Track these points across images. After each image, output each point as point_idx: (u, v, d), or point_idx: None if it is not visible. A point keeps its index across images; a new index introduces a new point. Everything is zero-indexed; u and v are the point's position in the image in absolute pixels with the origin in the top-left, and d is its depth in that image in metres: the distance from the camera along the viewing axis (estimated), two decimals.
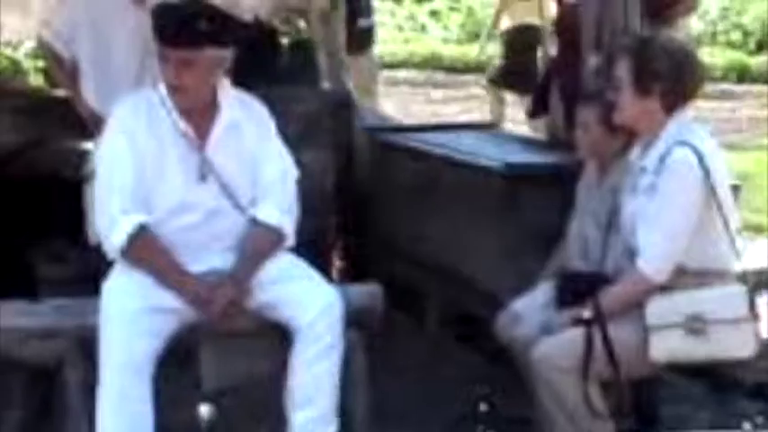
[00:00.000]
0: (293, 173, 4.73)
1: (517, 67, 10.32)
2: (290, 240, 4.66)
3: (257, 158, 4.63)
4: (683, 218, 4.30)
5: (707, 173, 4.29)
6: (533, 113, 6.74)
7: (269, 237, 4.60)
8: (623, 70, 4.43)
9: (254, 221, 4.60)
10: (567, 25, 6.03)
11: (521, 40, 10.43)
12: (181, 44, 4.45)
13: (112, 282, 4.53)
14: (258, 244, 4.58)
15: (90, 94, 5.84)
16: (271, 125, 4.75)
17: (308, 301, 4.49)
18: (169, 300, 4.44)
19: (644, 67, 4.39)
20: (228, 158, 4.61)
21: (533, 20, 10.30)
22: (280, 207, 4.62)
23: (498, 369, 5.33)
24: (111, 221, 4.51)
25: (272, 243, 4.60)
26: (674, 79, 4.40)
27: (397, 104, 13.45)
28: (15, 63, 8.85)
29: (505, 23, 10.81)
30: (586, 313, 4.36)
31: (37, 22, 6.39)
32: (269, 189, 4.63)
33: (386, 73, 15.93)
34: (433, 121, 11.78)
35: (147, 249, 4.50)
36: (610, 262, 4.60)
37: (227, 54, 4.57)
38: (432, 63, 16.68)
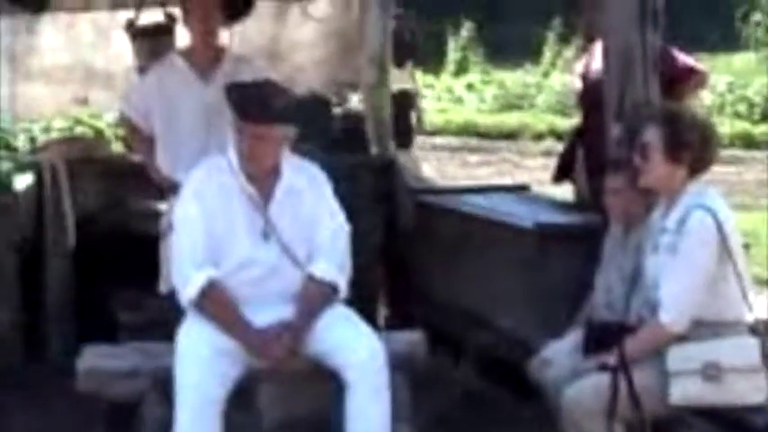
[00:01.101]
0: (345, 231, 4.73)
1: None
2: (343, 294, 4.65)
3: (314, 219, 4.64)
4: (701, 274, 4.29)
5: (722, 234, 4.29)
6: (557, 178, 6.70)
7: (324, 291, 4.60)
8: (653, 138, 4.43)
9: (310, 278, 4.59)
10: (590, 98, 6.01)
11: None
12: (257, 120, 4.48)
13: (186, 328, 4.55)
14: (314, 298, 4.57)
15: (162, 161, 5.86)
16: (326, 188, 4.75)
17: (355, 350, 4.48)
18: (235, 346, 4.44)
19: (676, 137, 4.40)
20: (288, 219, 4.62)
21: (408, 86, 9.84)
22: (334, 263, 4.62)
23: (529, 410, 5.27)
24: (184, 277, 4.54)
25: (327, 297, 4.60)
26: (702, 149, 4.43)
27: (436, 167, 13.44)
28: (99, 132, 8.92)
29: None
30: (612, 360, 4.34)
31: (119, 96, 6.41)
32: (324, 247, 4.63)
33: (425, 139, 15.98)
34: (469, 182, 11.75)
35: (215, 302, 4.52)
36: (633, 313, 4.56)
37: (293, 130, 4.60)
38: (467, 130, 16.69)
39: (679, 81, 6.06)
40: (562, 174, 6.60)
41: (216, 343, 4.43)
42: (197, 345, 4.44)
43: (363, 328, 4.58)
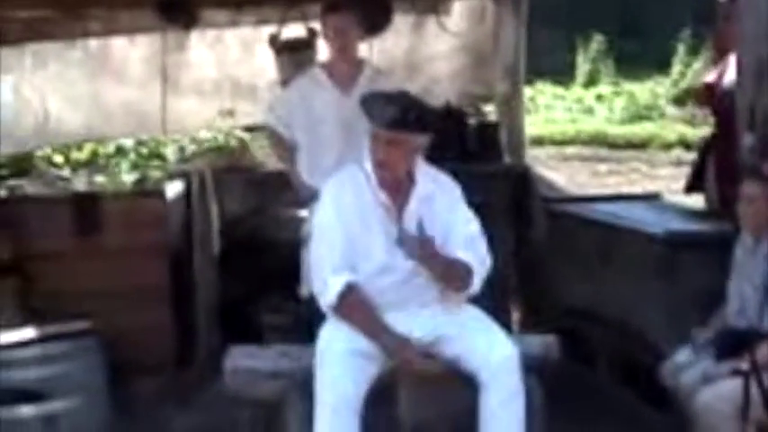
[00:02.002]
0: (480, 235, 4.70)
1: None
2: (474, 287, 4.60)
3: (447, 226, 4.62)
4: None
5: None
6: (690, 189, 6.58)
7: (463, 266, 4.56)
8: None
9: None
10: (723, 108, 5.89)
11: None
12: (394, 128, 4.49)
13: (326, 331, 4.58)
14: (457, 263, 4.55)
15: (303, 169, 5.91)
16: (458, 195, 4.74)
17: (489, 353, 4.45)
18: (374, 347, 4.46)
19: None
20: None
21: None
22: (476, 258, 4.59)
23: (662, 415, 5.19)
24: (323, 282, 4.57)
25: (464, 272, 4.55)
26: None
27: (567, 177, 13.32)
28: (243, 142, 9.04)
29: None
30: (744, 365, 4.25)
31: (263, 108, 6.49)
32: (463, 248, 4.60)
33: (556, 149, 15.87)
34: (599, 191, 11.62)
35: (353, 306, 4.53)
36: (765, 320, 4.46)
37: (427, 139, 4.60)
38: (597, 140, 16.51)
39: None
40: (694, 183, 6.49)
41: (355, 344, 4.45)
42: (337, 346, 4.46)
43: (498, 332, 4.55)
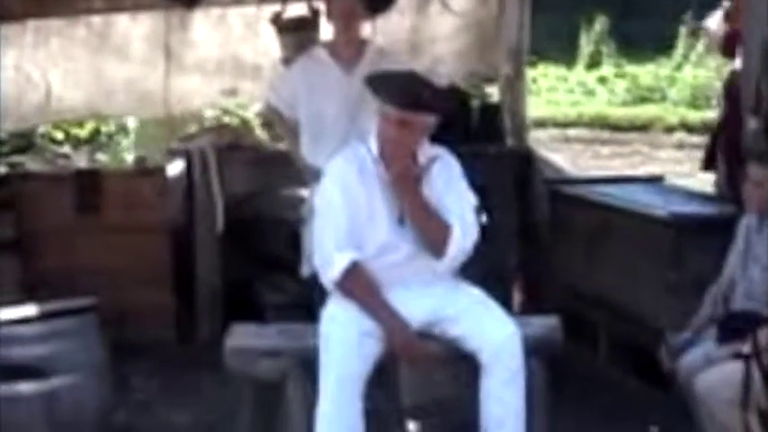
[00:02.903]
0: (471, 204, 4.67)
1: None
2: (455, 257, 4.56)
3: (443, 198, 4.61)
4: None
5: None
6: (705, 167, 6.61)
7: (445, 226, 4.53)
8: None
9: None
10: (735, 91, 5.87)
11: None
12: (405, 107, 4.48)
13: (330, 309, 4.57)
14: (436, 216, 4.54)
15: (306, 149, 5.90)
16: (458, 173, 4.72)
17: (491, 334, 4.44)
18: (376, 326, 4.45)
19: None
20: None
21: None
22: (461, 228, 4.57)
23: (662, 396, 5.19)
24: (327, 258, 4.56)
25: (443, 232, 4.52)
26: None
27: (569, 159, 13.30)
28: (245, 121, 9.03)
29: None
30: (745, 348, 4.24)
31: (266, 87, 6.47)
32: (453, 218, 4.58)
33: (558, 131, 15.85)
34: (602, 173, 11.60)
35: (357, 283, 4.53)
36: None
37: (435, 120, 4.59)
38: (599, 122, 16.49)
39: None
40: (708, 163, 6.50)
41: (358, 323, 4.44)
42: (340, 325, 4.45)
43: (499, 313, 4.55)
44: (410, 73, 4.70)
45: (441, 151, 4.73)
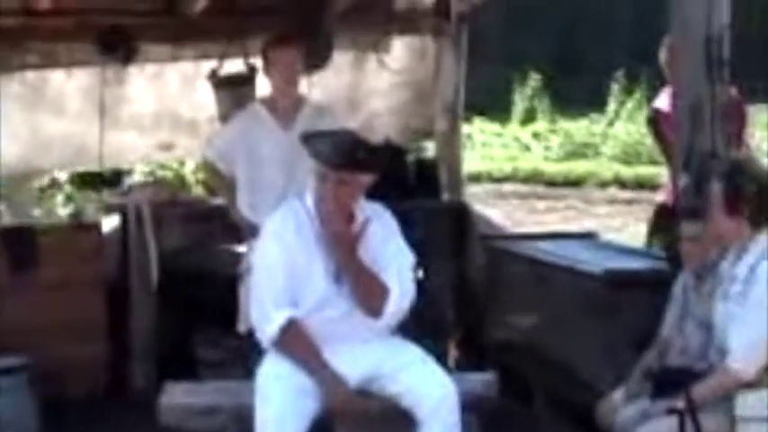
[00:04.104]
0: (410, 262, 4.69)
1: None
2: (392, 317, 4.57)
3: (380, 255, 4.62)
4: None
5: None
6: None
7: (382, 287, 4.54)
8: (715, 190, 4.38)
9: None
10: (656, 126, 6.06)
11: None
12: (341, 167, 4.50)
13: (267, 367, 4.55)
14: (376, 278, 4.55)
15: (244, 205, 5.90)
16: (394, 226, 4.74)
17: (428, 388, 4.45)
18: (313, 384, 4.43)
19: (734, 191, 4.34)
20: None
21: None
22: (399, 287, 4.58)
23: None
24: (264, 315, 4.55)
25: (380, 293, 4.53)
26: (761, 202, 4.35)
27: (505, 214, 13.40)
28: (181, 177, 9.01)
29: None
30: (680, 403, 4.26)
31: (203, 142, 6.47)
32: (390, 276, 4.59)
33: (493, 186, 15.96)
34: (537, 229, 11.70)
35: (294, 340, 4.52)
36: (706, 359, 4.49)
37: (373, 178, 4.62)
38: (534, 177, 16.64)
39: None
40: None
41: (294, 381, 4.42)
42: (276, 382, 4.43)
43: (436, 370, 4.55)
44: (345, 132, 4.73)
45: (377, 207, 4.74)
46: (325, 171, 4.54)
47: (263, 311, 4.56)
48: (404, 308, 4.59)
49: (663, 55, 6.44)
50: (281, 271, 4.55)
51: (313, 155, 4.58)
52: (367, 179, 4.59)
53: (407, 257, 4.69)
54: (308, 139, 4.65)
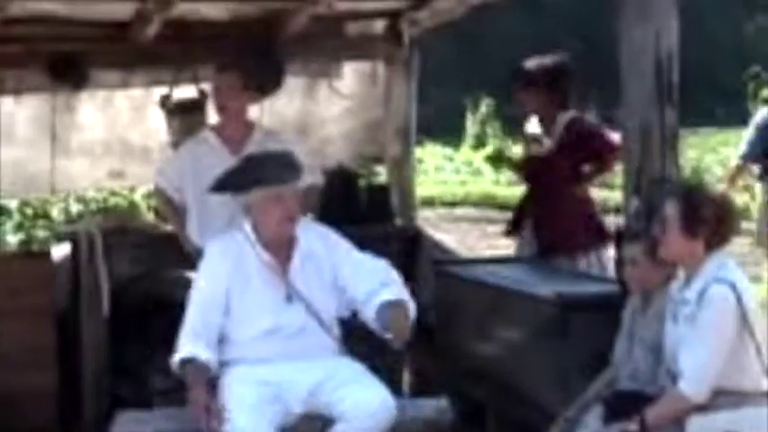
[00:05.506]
0: (385, 263, 4.76)
1: None
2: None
3: (335, 265, 4.67)
4: (720, 346, 4.25)
5: (741, 306, 4.24)
6: (509, 233, 7.24)
7: (408, 307, 4.67)
8: (672, 212, 4.42)
9: (390, 303, 4.65)
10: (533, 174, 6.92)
11: None
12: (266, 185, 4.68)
13: (230, 381, 4.62)
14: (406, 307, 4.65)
15: (194, 232, 5.89)
16: (342, 244, 4.82)
17: (364, 406, 4.49)
18: (280, 394, 4.55)
19: (692, 213, 4.38)
20: (310, 282, 4.71)
21: None
22: (400, 290, 4.70)
23: None
24: (179, 345, 4.72)
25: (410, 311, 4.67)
26: (718, 224, 4.40)
27: (457, 238, 13.40)
28: (133, 204, 8.95)
29: None
30: (632, 426, 4.28)
31: (154, 170, 6.43)
32: (381, 282, 4.68)
33: (446, 210, 15.97)
34: (489, 253, 11.70)
35: (190, 376, 4.63)
36: (656, 382, 4.50)
37: (300, 186, 4.74)
38: (486, 202, 16.67)
39: (610, 152, 6.58)
40: (512, 231, 7.15)
41: (261, 393, 4.50)
42: (243, 397, 4.49)
43: (378, 389, 4.57)
44: (247, 159, 4.86)
45: (318, 227, 4.79)
46: (246, 198, 4.65)
47: (180, 340, 4.72)
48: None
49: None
50: (202, 308, 4.68)
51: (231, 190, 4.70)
52: (295, 189, 4.64)
53: (355, 251, 4.81)
54: (218, 183, 4.80)
